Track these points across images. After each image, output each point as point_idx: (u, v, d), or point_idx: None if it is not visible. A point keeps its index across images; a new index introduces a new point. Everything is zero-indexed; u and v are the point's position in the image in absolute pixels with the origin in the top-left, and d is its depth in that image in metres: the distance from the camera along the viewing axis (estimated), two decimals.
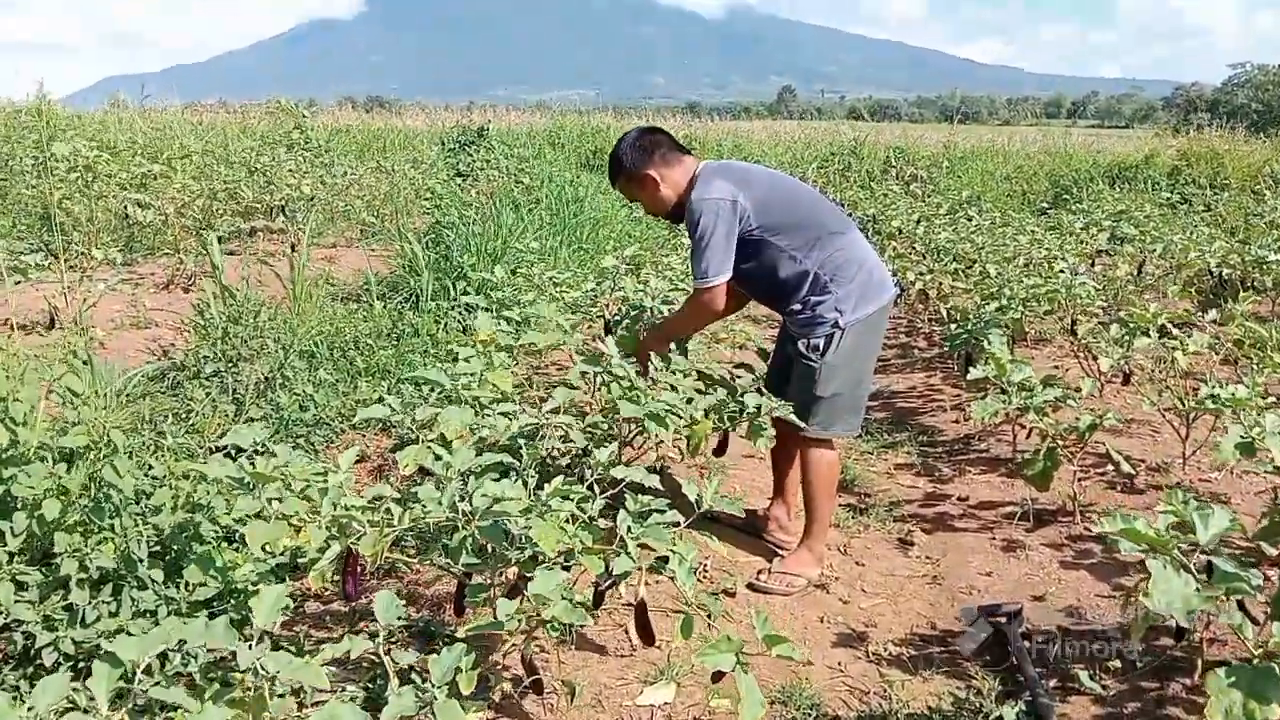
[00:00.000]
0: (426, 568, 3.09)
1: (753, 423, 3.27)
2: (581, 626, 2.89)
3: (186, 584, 2.67)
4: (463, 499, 2.35)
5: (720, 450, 3.81)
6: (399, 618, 3.01)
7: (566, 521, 2.21)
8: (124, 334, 5.59)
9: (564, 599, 1.95)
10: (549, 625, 2.17)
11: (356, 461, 4.19)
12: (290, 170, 8.99)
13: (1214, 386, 3.87)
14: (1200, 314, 6.66)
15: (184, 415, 3.82)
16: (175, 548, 2.86)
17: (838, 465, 3.46)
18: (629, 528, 2.32)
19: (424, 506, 2.25)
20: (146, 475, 3.04)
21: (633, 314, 4.49)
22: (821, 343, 3.22)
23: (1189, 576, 1.95)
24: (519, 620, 2.02)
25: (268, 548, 2.44)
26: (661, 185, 3.33)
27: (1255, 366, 3.75)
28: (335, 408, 4.33)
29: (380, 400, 2.92)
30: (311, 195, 8.58)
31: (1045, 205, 13.28)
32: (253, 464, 2.29)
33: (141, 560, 2.70)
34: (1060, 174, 15.18)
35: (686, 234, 3.31)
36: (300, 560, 2.63)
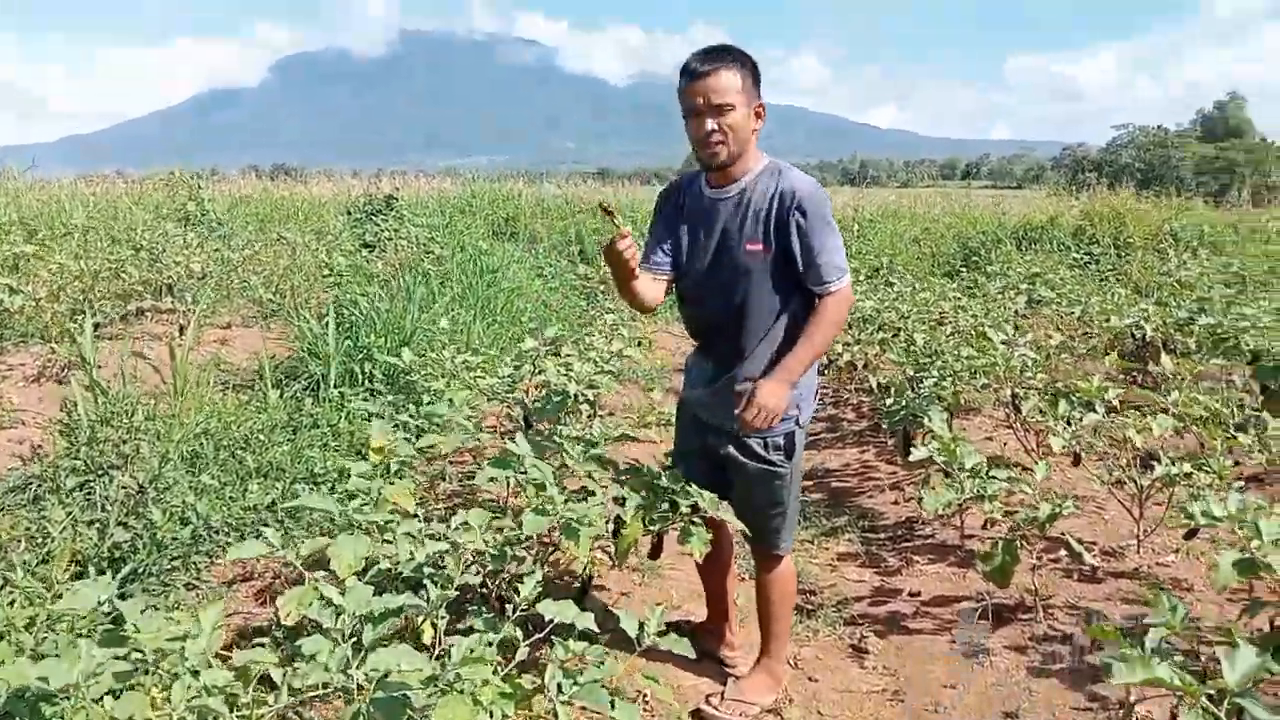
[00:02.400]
0: None
1: (685, 524, 2.92)
2: None
3: None
4: (356, 656, 1.96)
5: (655, 553, 3.45)
6: None
7: (481, 688, 1.83)
8: None
9: None
10: None
11: (242, 581, 3.75)
12: (182, 246, 8.44)
13: (1168, 465, 3.70)
14: (1130, 379, 6.60)
15: (39, 540, 3.31)
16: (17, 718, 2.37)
17: (795, 576, 3.12)
18: (559, 685, 1.95)
19: (306, 675, 1.84)
20: None
21: (556, 400, 4.15)
22: (784, 441, 2.80)
23: None
24: None
25: None
26: (756, 124, 2.69)
27: (1220, 448, 3.56)
28: (220, 519, 3.84)
29: (260, 528, 2.49)
30: (203, 273, 8.04)
31: (958, 266, 13.41)
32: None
33: None
34: (968, 235, 15.40)
35: (776, 217, 2.64)
36: None
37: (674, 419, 3.22)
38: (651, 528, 3.02)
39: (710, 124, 2.61)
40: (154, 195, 15.05)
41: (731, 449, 2.85)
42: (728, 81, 2.58)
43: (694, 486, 2.91)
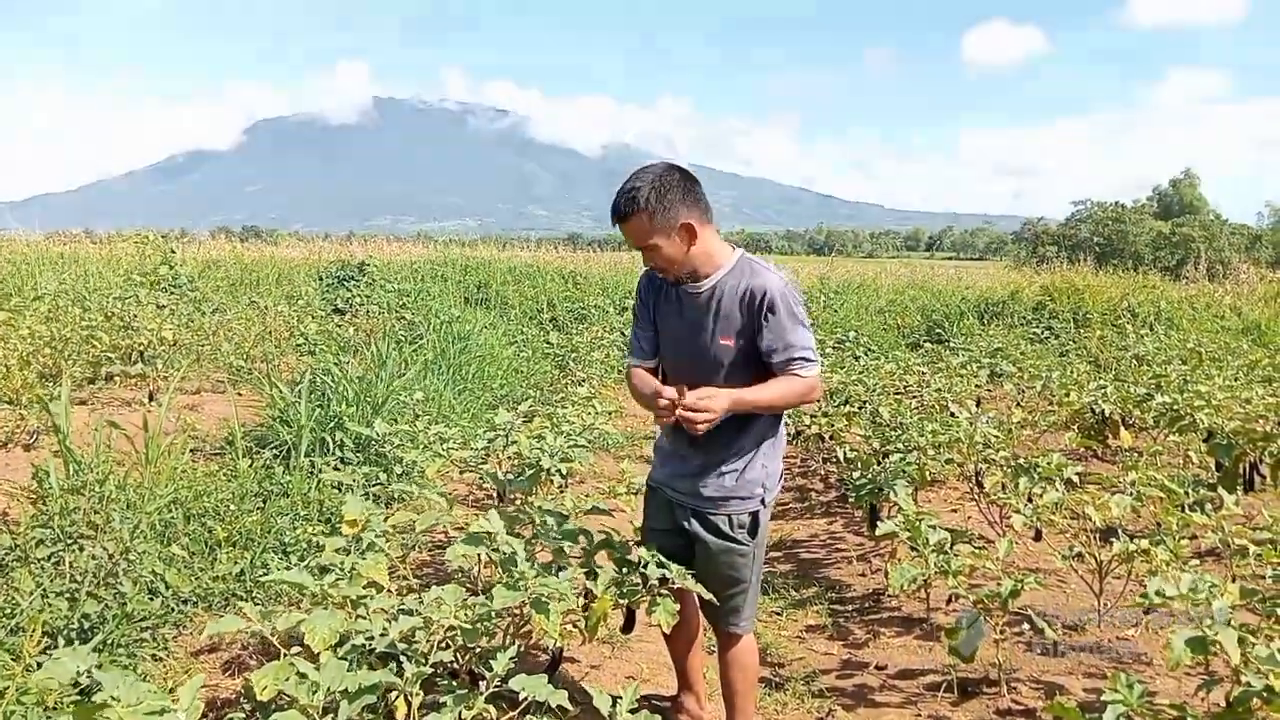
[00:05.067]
0: None
1: (653, 596, 2.96)
2: None
3: None
4: None
5: (628, 627, 3.49)
6: None
7: None
8: None
9: None
10: None
11: (209, 652, 3.73)
12: (154, 313, 8.45)
13: (1126, 541, 3.80)
14: (1090, 453, 6.75)
15: (8, 611, 3.29)
16: None
17: (757, 653, 3.16)
18: None
19: None
20: None
21: (529, 474, 4.20)
22: (748, 520, 2.85)
23: None
24: None
25: None
26: (697, 242, 2.71)
27: (1175, 526, 3.67)
28: (189, 589, 3.84)
29: (233, 595, 2.51)
30: (175, 340, 8.04)
31: (922, 339, 13.65)
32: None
33: None
34: (932, 309, 15.72)
35: (747, 314, 2.70)
36: None
37: (644, 498, 3.26)
38: (622, 601, 3.07)
39: (648, 259, 2.78)
40: (125, 258, 15.05)
41: (696, 525, 2.88)
42: (637, 229, 2.68)
43: (663, 558, 2.96)
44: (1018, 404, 6.98)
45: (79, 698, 2.68)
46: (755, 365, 2.77)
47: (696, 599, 3.21)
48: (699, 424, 2.60)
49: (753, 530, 2.87)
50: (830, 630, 4.41)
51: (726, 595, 2.91)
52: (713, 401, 2.61)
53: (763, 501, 2.87)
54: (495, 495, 4.47)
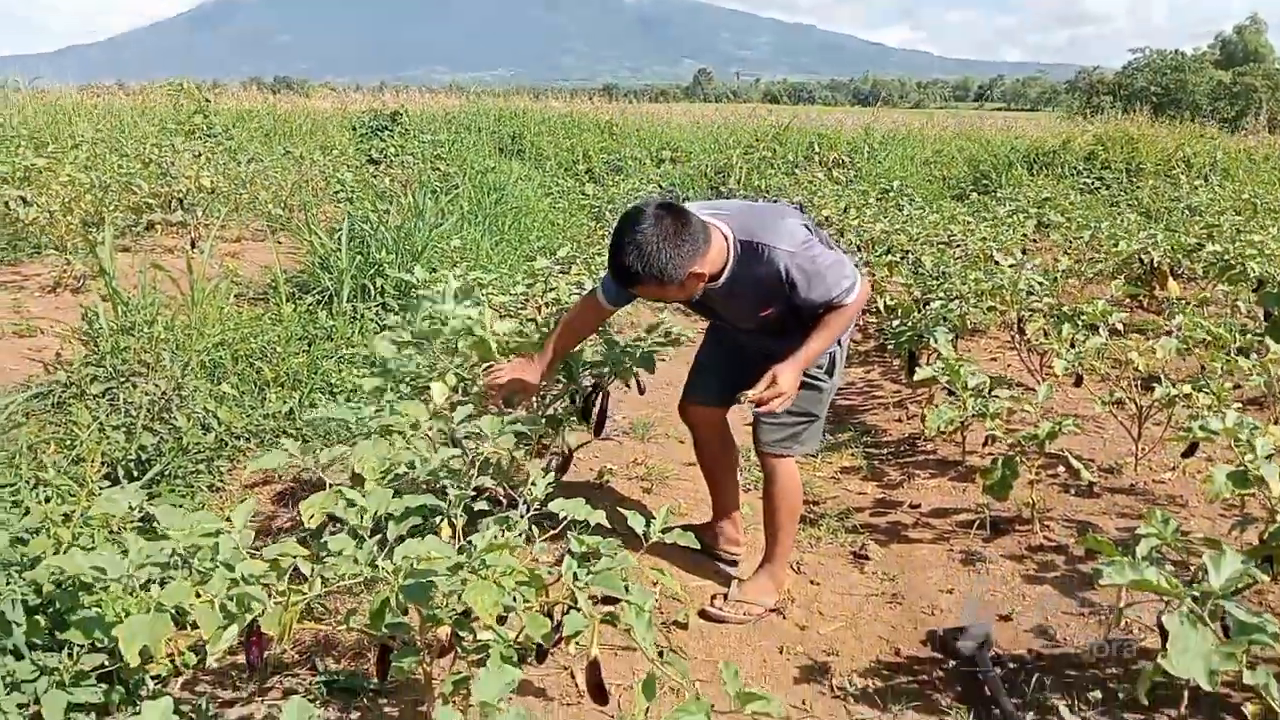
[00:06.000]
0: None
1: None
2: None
3: (72, 649, 2.33)
4: (383, 549, 2.06)
5: (593, 424, 3.55)
6: (319, 673, 2.73)
7: (504, 574, 1.93)
8: (3, 343, 5.10)
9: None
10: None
11: (263, 484, 3.88)
12: (191, 160, 8.43)
13: (1169, 386, 3.77)
14: (1136, 303, 6.65)
15: (68, 443, 3.41)
16: (57, 605, 2.49)
17: (801, 488, 3.24)
18: (575, 574, 2.05)
19: (336, 567, 1.94)
20: (22, 518, 2.68)
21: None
22: (826, 360, 2.99)
23: (1208, 632, 1.76)
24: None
25: None
26: (706, 274, 2.72)
27: (1220, 370, 3.63)
28: (241, 426, 3.95)
29: (278, 438, 2.58)
30: (213, 188, 8.04)
31: (968, 190, 13.32)
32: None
33: (17, 623, 2.34)
34: (979, 159, 15.25)
35: (775, 292, 2.76)
36: None
37: (704, 340, 3.40)
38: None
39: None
40: (159, 108, 14.92)
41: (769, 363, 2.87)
42: (648, 292, 2.77)
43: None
44: (1064, 253, 6.82)
45: (140, 525, 2.81)
46: (800, 310, 2.82)
47: (728, 424, 3.35)
48: (778, 409, 2.74)
49: (830, 370, 3.02)
50: (865, 472, 4.47)
51: (790, 425, 3.02)
52: (781, 386, 2.70)
53: (839, 342, 2.98)
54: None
